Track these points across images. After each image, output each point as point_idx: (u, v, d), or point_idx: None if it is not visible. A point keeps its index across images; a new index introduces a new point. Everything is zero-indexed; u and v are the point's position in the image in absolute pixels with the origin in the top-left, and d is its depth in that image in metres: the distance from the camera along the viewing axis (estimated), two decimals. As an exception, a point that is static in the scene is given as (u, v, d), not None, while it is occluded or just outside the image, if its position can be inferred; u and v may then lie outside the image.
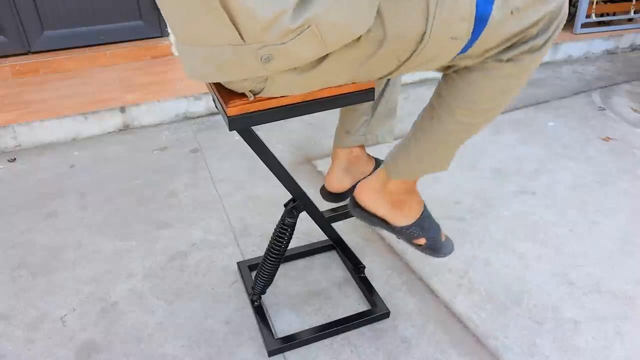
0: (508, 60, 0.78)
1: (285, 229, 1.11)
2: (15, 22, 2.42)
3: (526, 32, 0.75)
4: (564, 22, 0.78)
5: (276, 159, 1.01)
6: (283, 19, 0.66)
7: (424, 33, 0.73)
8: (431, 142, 0.93)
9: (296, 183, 1.07)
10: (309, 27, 0.67)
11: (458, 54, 0.78)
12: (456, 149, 0.95)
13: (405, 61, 0.78)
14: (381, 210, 1.06)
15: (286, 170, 1.04)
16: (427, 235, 1.08)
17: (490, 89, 0.81)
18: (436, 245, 1.10)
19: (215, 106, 0.93)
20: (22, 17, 2.43)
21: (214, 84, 0.87)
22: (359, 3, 0.68)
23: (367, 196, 1.06)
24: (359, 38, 0.72)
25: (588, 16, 3.10)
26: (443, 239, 1.12)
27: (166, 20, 0.77)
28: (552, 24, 0.76)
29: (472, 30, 0.73)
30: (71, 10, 2.52)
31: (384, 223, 1.09)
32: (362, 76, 0.82)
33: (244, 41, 0.69)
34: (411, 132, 0.97)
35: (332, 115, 2.21)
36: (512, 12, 0.72)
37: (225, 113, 0.83)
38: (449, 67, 0.85)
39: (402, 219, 1.07)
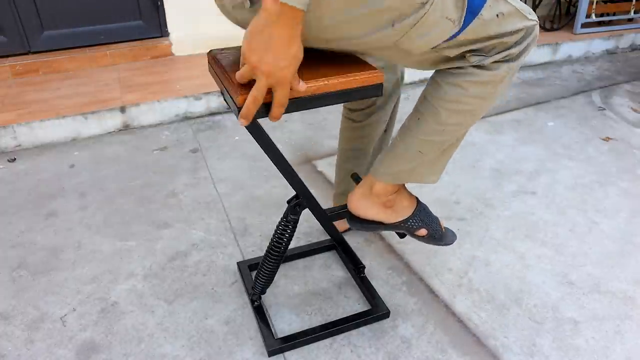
0: (488, 67, 0.87)
1: (287, 225, 1.11)
2: (15, 22, 2.42)
3: (505, 39, 0.85)
4: (535, 43, 0.90)
5: (282, 154, 1.01)
6: None
7: (426, 2, 0.78)
8: (416, 142, 0.97)
9: (300, 180, 1.07)
10: None
11: (446, 40, 0.84)
12: (440, 158, 1.01)
13: (403, 29, 0.81)
14: (374, 213, 1.09)
15: (291, 166, 1.04)
16: (427, 226, 1.12)
17: (471, 91, 0.89)
18: (438, 235, 1.14)
19: (224, 99, 0.92)
20: (22, 17, 2.43)
21: (224, 73, 0.87)
22: None
23: (357, 203, 1.10)
24: None
25: (588, 16, 3.10)
26: (443, 229, 1.16)
27: None
28: (526, 39, 0.87)
29: (463, 19, 0.81)
30: (71, 10, 2.52)
31: (380, 225, 1.11)
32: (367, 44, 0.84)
33: None
34: (397, 135, 1.01)
35: (332, 116, 2.21)
36: (497, 15, 0.82)
37: (235, 103, 0.82)
38: (436, 70, 0.92)
39: (396, 217, 1.10)
